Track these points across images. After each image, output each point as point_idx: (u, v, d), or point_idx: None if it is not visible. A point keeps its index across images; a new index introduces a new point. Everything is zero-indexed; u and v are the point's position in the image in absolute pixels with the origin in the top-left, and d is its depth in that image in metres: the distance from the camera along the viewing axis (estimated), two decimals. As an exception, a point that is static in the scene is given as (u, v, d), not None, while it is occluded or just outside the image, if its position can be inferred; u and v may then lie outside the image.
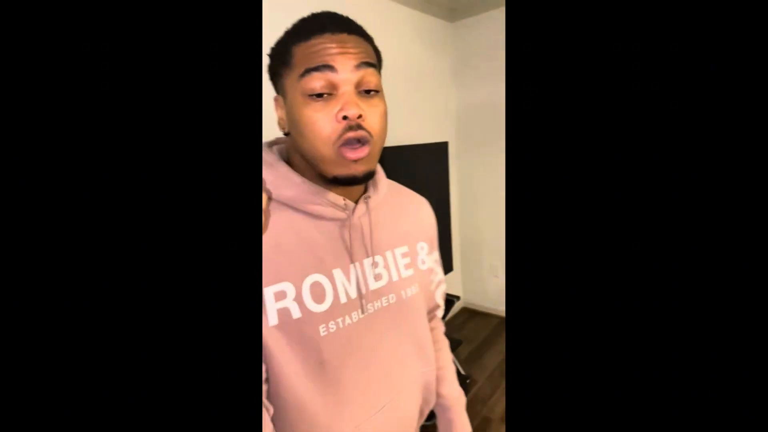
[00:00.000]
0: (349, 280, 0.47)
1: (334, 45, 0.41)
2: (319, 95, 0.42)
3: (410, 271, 0.55)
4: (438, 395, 0.63)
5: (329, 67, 0.41)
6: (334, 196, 0.47)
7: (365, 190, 0.52)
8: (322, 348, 0.44)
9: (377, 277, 0.50)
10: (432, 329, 0.67)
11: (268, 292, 0.43)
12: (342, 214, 0.48)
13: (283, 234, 0.45)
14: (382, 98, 0.45)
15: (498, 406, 1.86)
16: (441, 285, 0.66)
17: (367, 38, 0.45)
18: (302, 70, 0.42)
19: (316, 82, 0.41)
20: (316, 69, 0.41)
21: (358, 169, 0.43)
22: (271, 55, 0.46)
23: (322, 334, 0.45)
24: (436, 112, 2.41)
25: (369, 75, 0.43)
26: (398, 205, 0.57)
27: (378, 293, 0.50)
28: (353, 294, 0.48)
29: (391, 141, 1.89)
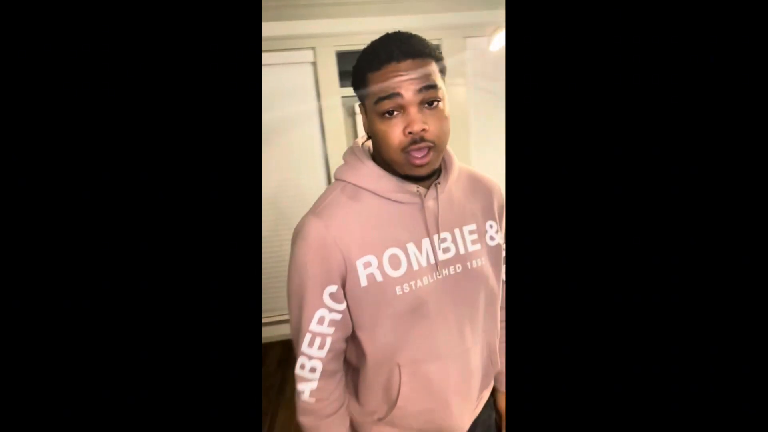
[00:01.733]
0: (420, 252, 0.59)
1: (400, 74, 0.51)
2: (390, 112, 0.53)
3: (477, 246, 0.64)
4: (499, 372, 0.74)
5: (397, 95, 0.52)
6: (409, 185, 0.59)
7: (437, 176, 0.62)
8: (395, 304, 0.57)
9: (445, 250, 0.61)
10: (503, 308, 0.74)
11: (359, 263, 0.57)
12: (417, 200, 0.59)
13: (369, 216, 0.58)
14: (444, 105, 0.55)
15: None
16: (503, 265, 0.73)
17: (431, 55, 0.54)
18: (376, 97, 0.53)
19: (388, 105, 0.52)
20: (388, 97, 0.52)
21: (423, 171, 0.55)
22: (353, 75, 0.58)
23: (397, 293, 0.57)
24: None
25: (430, 93, 0.52)
26: (469, 189, 0.67)
27: (446, 263, 0.61)
28: (424, 263, 0.59)
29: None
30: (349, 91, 2.35)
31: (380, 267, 0.57)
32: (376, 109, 0.54)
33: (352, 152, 0.63)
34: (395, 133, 0.53)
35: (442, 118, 0.54)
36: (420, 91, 0.52)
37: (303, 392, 0.59)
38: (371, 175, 0.59)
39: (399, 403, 0.60)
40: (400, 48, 0.52)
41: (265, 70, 2.19)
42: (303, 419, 0.60)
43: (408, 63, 0.52)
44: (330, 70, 2.24)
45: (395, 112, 0.53)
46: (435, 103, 0.53)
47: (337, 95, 2.28)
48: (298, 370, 0.59)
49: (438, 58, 0.55)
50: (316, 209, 0.59)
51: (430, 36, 2.35)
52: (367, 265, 0.57)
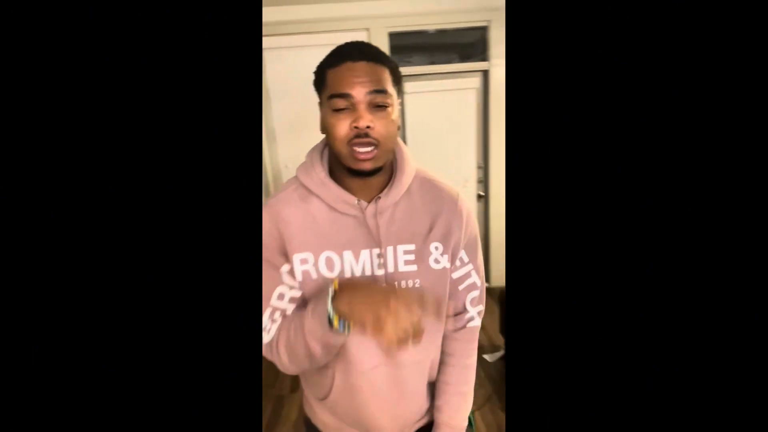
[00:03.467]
0: (357, 262, 0.63)
1: (353, 75, 0.56)
2: (341, 109, 0.57)
3: (412, 267, 0.63)
4: (436, 410, 0.72)
5: (348, 95, 0.56)
6: (349, 197, 0.62)
7: (383, 187, 0.64)
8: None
9: (380, 266, 0.63)
10: (452, 339, 0.72)
11: (296, 257, 0.62)
12: (357, 212, 0.62)
13: (313, 218, 0.62)
14: (393, 110, 0.59)
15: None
16: (472, 291, 0.71)
17: (385, 62, 0.59)
18: (330, 93, 0.58)
19: (339, 104, 0.57)
20: (340, 95, 0.57)
21: (366, 165, 0.58)
22: (315, 74, 0.62)
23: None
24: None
25: (379, 97, 0.57)
26: (419, 204, 0.66)
27: (377, 279, 0.63)
28: (358, 273, 0.63)
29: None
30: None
31: (315, 265, 0.61)
32: (329, 104, 0.58)
33: (313, 151, 0.66)
34: (343, 126, 0.56)
35: (389, 121, 0.58)
36: (370, 93, 0.56)
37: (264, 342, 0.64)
38: (318, 180, 0.63)
39: (330, 397, 0.67)
40: (359, 50, 0.58)
41: (318, 50, 2.27)
42: (265, 354, 0.64)
43: (362, 64, 0.57)
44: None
45: (345, 109, 0.57)
46: (383, 107, 0.57)
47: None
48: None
49: (392, 67, 0.60)
50: (269, 201, 0.64)
51: (478, 17, 2.38)
52: (304, 261, 0.61)
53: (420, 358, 0.67)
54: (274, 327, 0.62)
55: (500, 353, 2.00)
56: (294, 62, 2.33)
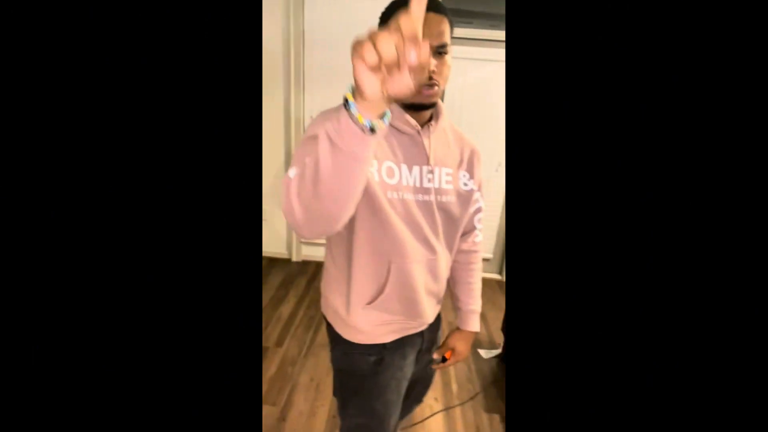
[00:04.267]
0: (410, 173, 0.75)
1: (424, 25, 0.60)
2: None
3: (449, 186, 0.80)
4: (457, 300, 0.95)
5: None
6: (411, 119, 0.74)
7: (429, 120, 0.78)
8: (387, 208, 0.73)
9: (429, 180, 0.77)
10: (466, 252, 0.93)
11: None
12: (414, 132, 0.75)
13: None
14: (449, 58, 0.70)
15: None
16: (479, 212, 0.91)
17: (446, 13, 0.68)
18: None
19: None
20: None
21: (428, 100, 0.70)
22: (384, 14, 0.70)
23: (389, 197, 0.73)
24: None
25: (441, 47, 0.67)
26: (451, 139, 0.82)
27: (425, 191, 0.77)
28: (410, 183, 0.75)
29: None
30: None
31: (378, 171, 0.72)
32: None
33: None
34: None
35: (447, 66, 0.70)
36: (435, 37, 0.66)
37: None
38: None
39: (386, 290, 0.78)
40: (431, 3, 0.63)
41: None
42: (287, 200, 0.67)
43: (431, 15, 0.65)
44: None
45: None
46: (443, 54, 0.68)
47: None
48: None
49: (451, 19, 0.70)
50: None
51: None
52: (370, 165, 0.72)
53: (445, 252, 0.83)
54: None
55: (497, 351, 1.94)
56: (332, 9, 2.19)
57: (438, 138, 0.79)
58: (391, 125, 0.73)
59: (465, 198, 0.83)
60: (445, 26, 0.67)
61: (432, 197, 0.78)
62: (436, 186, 0.78)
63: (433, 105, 0.74)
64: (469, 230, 0.92)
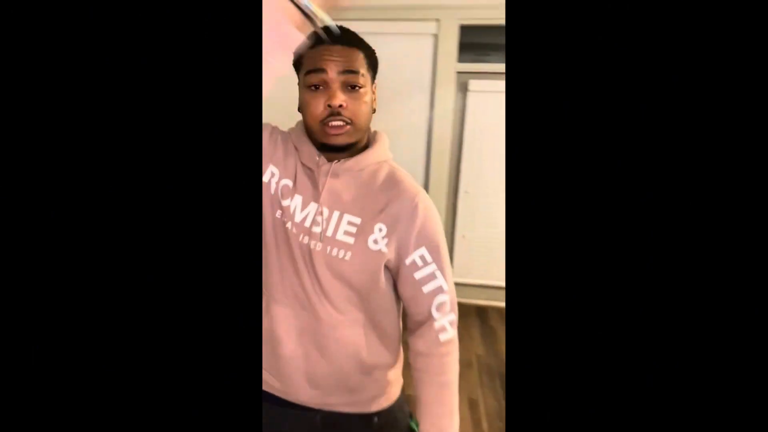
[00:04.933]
0: (302, 210, 0.66)
1: (328, 54, 0.60)
2: (316, 86, 0.61)
3: (349, 239, 0.64)
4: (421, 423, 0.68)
5: (322, 70, 0.60)
6: (313, 152, 0.66)
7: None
8: (275, 224, 0.67)
9: (314, 223, 0.65)
10: (424, 356, 0.66)
11: (270, 166, 0.69)
12: (314, 166, 0.66)
13: (289, 161, 0.70)
14: (366, 91, 0.62)
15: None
16: (439, 295, 0.66)
17: (361, 47, 0.63)
18: (306, 70, 0.62)
19: (313, 78, 0.61)
20: (314, 71, 0.60)
21: (337, 140, 0.62)
22: (294, 57, 0.61)
23: (276, 215, 0.67)
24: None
25: (351, 77, 0.60)
26: (379, 186, 0.67)
27: (310, 233, 0.65)
28: (298, 218, 0.66)
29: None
30: (465, 66, 2.34)
31: (277, 182, 0.67)
32: (305, 81, 0.62)
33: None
34: (318, 104, 0.60)
35: (362, 102, 0.62)
36: (342, 73, 0.60)
37: None
38: (299, 136, 0.69)
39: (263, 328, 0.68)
40: (332, 34, 0.59)
41: (386, 39, 2.22)
42: None
43: (337, 48, 0.60)
44: (450, 44, 2.23)
45: (320, 87, 0.60)
46: (357, 88, 0.61)
47: (453, 70, 2.28)
48: None
49: (368, 53, 0.64)
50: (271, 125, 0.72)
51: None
52: (272, 175, 0.68)
53: (341, 319, 0.66)
54: None
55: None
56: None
57: (349, 179, 0.66)
58: (300, 160, 0.68)
59: (369, 260, 0.64)
60: (357, 58, 0.61)
61: (317, 245, 0.64)
62: (328, 233, 0.64)
63: (343, 148, 0.63)
64: (423, 320, 0.67)
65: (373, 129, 0.71)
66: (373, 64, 0.65)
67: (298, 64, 0.64)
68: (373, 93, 0.66)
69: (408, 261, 0.65)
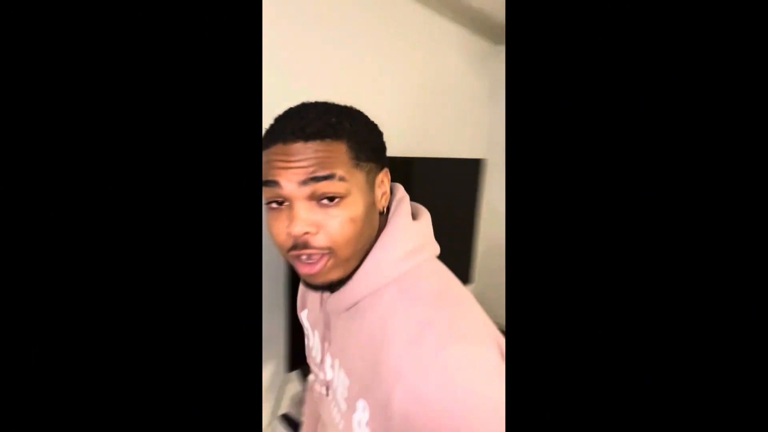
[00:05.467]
0: (314, 337, 0.54)
1: (280, 159, 0.40)
2: (279, 203, 0.42)
3: (342, 404, 0.45)
4: None
5: (275, 182, 0.40)
6: (308, 295, 0.56)
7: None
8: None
9: (320, 366, 0.51)
10: None
11: (303, 314, 0.59)
12: (318, 297, 0.52)
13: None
14: (354, 201, 0.41)
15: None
16: None
17: (339, 135, 0.40)
18: (263, 180, 0.42)
19: (267, 194, 0.42)
20: (266, 183, 0.41)
21: (313, 280, 0.42)
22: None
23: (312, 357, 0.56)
24: (471, 130, 2.32)
25: (322, 187, 0.39)
26: (366, 333, 0.43)
27: (321, 380, 0.51)
28: (314, 354, 0.54)
29: (422, 152, 1.77)
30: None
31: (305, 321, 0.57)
32: (264, 196, 0.42)
33: None
34: (280, 228, 0.41)
35: (345, 219, 0.40)
36: (305, 183, 0.39)
37: None
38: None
39: None
40: (297, 124, 0.40)
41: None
42: None
43: (298, 145, 0.39)
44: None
45: (284, 202, 0.41)
46: (336, 199, 0.40)
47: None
48: None
49: (357, 140, 0.42)
50: None
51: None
52: (304, 317, 0.58)
53: None
54: None
55: None
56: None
57: (346, 325, 0.46)
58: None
59: None
60: (332, 154, 0.40)
61: (330, 397, 0.48)
62: (334, 386, 0.47)
63: (334, 284, 0.43)
64: None
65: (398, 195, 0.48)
66: (365, 149, 0.43)
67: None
68: (381, 185, 0.45)
69: None
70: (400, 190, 0.49)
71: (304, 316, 0.57)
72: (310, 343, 0.54)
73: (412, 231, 0.45)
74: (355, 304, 0.44)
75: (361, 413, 0.41)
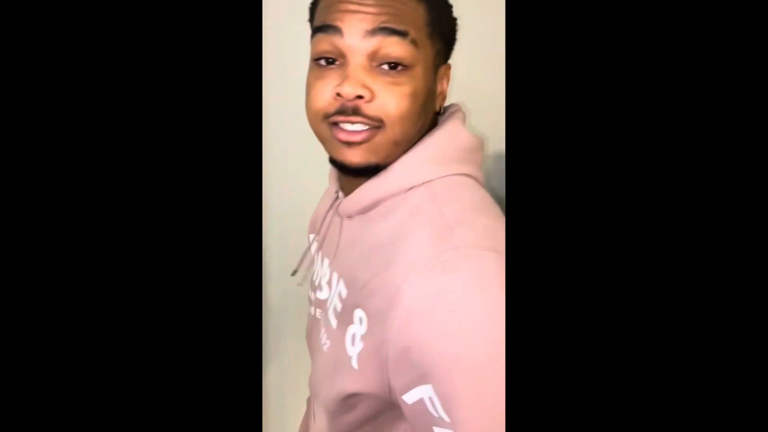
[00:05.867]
0: (320, 259, 0.46)
1: (349, 1, 0.34)
2: (329, 61, 0.35)
3: (333, 320, 0.41)
4: None
5: (334, 29, 0.34)
6: (334, 181, 0.44)
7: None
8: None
9: (318, 288, 0.44)
10: None
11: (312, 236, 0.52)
12: (332, 197, 0.44)
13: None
14: (419, 77, 0.35)
15: None
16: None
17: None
18: (313, 29, 0.37)
19: (320, 45, 0.35)
20: (321, 29, 0.35)
21: (353, 157, 0.36)
22: (309, 9, 0.40)
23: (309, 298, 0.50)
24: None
25: (390, 44, 0.34)
26: (379, 238, 0.38)
27: (317, 300, 0.45)
28: (316, 276, 0.47)
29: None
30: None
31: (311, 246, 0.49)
32: (312, 49, 0.37)
33: None
34: (322, 90, 0.35)
35: (405, 94, 0.34)
36: (373, 33, 0.33)
37: None
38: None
39: None
40: None
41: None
42: None
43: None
44: None
45: (335, 61, 0.35)
46: (399, 68, 0.34)
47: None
48: None
49: (435, 13, 0.36)
50: None
51: None
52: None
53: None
54: None
55: None
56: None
57: (358, 231, 0.41)
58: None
59: (337, 359, 0.39)
60: (408, 8, 0.34)
61: (321, 318, 0.43)
62: (327, 304, 0.42)
63: (370, 169, 0.37)
64: None
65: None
66: (442, 24, 0.37)
67: (310, 21, 0.40)
68: (442, 80, 0.39)
69: (403, 395, 0.34)
70: (457, 105, 0.43)
71: (312, 237, 0.51)
72: (314, 267, 0.49)
73: (462, 138, 0.40)
74: (376, 205, 0.38)
75: (357, 326, 0.37)
